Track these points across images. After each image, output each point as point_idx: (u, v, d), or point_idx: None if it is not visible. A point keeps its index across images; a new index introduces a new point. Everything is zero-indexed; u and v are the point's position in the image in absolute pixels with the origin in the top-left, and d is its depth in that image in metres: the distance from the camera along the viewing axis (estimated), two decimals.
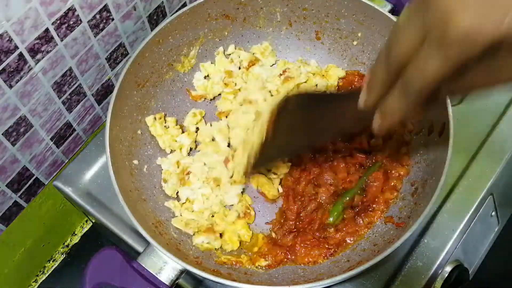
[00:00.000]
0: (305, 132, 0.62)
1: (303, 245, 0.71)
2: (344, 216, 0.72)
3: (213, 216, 0.75)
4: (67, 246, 1.07)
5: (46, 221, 0.96)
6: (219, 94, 0.86)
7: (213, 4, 0.80)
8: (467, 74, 0.40)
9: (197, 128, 0.82)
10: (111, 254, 0.63)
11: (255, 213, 0.77)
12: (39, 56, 0.68)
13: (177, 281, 0.63)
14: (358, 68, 0.84)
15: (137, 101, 0.77)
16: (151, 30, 0.81)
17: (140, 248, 0.75)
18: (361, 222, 0.72)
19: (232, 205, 0.77)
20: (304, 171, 0.76)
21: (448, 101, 0.67)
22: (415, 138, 0.76)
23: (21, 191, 0.81)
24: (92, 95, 0.84)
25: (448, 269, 0.75)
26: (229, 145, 0.80)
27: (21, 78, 0.67)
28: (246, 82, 0.85)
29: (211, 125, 0.82)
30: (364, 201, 0.73)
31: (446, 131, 0.67)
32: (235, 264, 0.70)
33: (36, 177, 0.83)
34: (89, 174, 0.82)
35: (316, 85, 0.83)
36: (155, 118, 0.79)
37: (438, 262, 0.74)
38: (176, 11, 0.86)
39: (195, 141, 0.82)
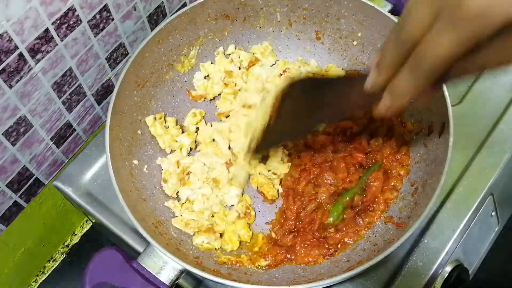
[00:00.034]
0: (308, 116, 0.62)
1: (303, 245, 0.71)
2: (344, 216, 0.72)
3: (213, 216, 0.75)
4: (67, 246, 1.07)
5: (46, 221, 0.96)
6: (219, 94, 0.86)
7: (213, 4, 0.80)
8: (479, 52, 0.39)
9: (197, 128, 0.82)
10: (111, 254, 0.63)
11: (255, 213, 0.77)
12: (39, 56, 0.68)
13: (177, 281, 0.63)
14: (358, 68, 0.84)
15: (137, 101, 0.77)
16: (151, 30, 0.81)
17: (140, 248, 0.75)
18: (361, 222, 0.72)
19: (232, 205, 0.77)
20: (304, 171, 0.76)
21: (448, 101, 0.67)
22: (415, 138, 0.76)
23: (21, 191, 0.81)
24: (92, 95, 0.84)
25: (448, 269, 0.75)
26: (229, 147, 0.80)
27: (21, 78, 0.67)
28: (246, 82, 0.85)
29: (211, 125, 0.82)
30: (364, 201, 0.73)
31: (446, 131, 0.67)
32: (235, 264, 0.70)
33: (36, 177, 0.83)
34: (89, 174, 0.82)
35: None
36: (155, 118, 0.79)
37: (438, 262, 0.74)
38: (176, 11, 0.86)
39: (195, 141, 0.82)
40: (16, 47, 0.63)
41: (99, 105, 0.88)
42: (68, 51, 0.73)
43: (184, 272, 0.63)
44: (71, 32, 0.70)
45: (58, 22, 0.67)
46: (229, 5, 0.82)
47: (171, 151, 0.80)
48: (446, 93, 0.67)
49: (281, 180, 0.78)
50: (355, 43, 0.83)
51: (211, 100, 0.86)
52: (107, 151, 0.67)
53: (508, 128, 0.84)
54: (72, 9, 0.68)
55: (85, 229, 1.09)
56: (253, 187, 0.79)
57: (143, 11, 0.82)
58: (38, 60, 0.68)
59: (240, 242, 0.74)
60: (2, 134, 0.70)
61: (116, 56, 0.83)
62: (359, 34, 0.81)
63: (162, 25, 0.75)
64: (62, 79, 0.75)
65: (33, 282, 1.03)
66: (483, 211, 0.81)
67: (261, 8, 0.84)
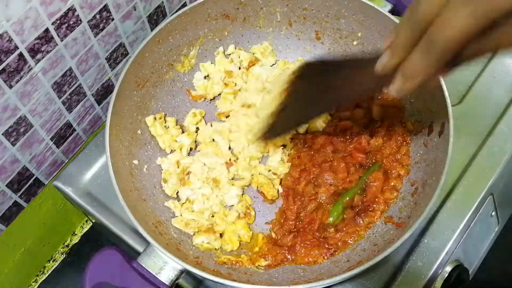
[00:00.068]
0: (319, 100, 0.61)
1: (303, 245, 0.71)
2: (344, 216, 0.72)
3: (213, 216, 0.75)
4: (67, 246, 1.07)
5: (46, 221, 0.96)
6: (219, 94, 0.86)
7: (213, 4, 0.80)
8: (494, 31, 0.39)
9: (197, 128, 0.82)
10: (111, 254, 0.63)
11: (255, 213, 0.77)
12: (39, 56, 0.68)
13: (177, 281, 0.63)
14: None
15: (137, 101, 0.77)
16: (151, 30, 0.81)
17: (140, 248, 0.75)
18: (361, 222, 0.72)
19: (232, 205, 0.77)
20: (304, 171, 0.76)
21: (448, 101, 0.67)
22: (415, 138, 0.76)
23: (21, 191, 0.81)
24: (92, 95, 0.84)
25: (448, 269, 0.75)
26: (229, 148, 0.80)
27: (21, 78, 0.67)
28: (246, 82, 0.85)
29: (211, 125, 0.82)
30: (364, 201, 0.73)
31: (446, 131, 0.67)
32: (235, 264, 0.70)
33: (36, 177, 0.83)
34: (89, 174, 0.82)
35: None
36: (155, 118, 0.79)
37: (438, 262, 0.74)
38: (176, 11, 0.86)
39: (195, 141, 0.82)
40: (16, 47, 0.63)
41: (99, 105, 0.88)
42: (68, 51, 0.73)
43: (184, 272, 0.63)
44: (71, 32, 0.70)
45: (58, 22, 0.67)
46: (229, 5, 0.82)
47: (171, 151, 0.80)
48: (446, 93, 0.67)
49: (281, 180, 0.78)
50: (355, 43, 0.83)
51: (211, 100, 0.86)
52: (107, 151, 0.67)
53: (508, 128, 0.84)
54: (72, 9, 0.68)
55: (85, 229, 1.08)
56: (253, 187, 0.79)
57: (143, 11, 0.82)
58: (38, 60, 0.68)
59: (240, 242, 0.74)
60: (2, 134, 0.70)
61: (116, 56, 0.83)
62: (359, 34, 0.81)
63: (162, 25, 0.75)
64: (62, 79, 0.75)
65: (33, 282, 1.03)
66: (483, 211, 0.81)
67: (261, 8, 0.84)
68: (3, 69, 0.64)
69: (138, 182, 0.73)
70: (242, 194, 0.77)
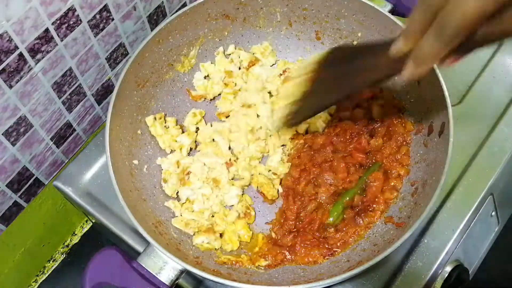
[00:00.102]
0: (339, 85, 0.63)
1: (303, 245, 0.71)
2: (344, 216, 0.72)
3: (213, 216, 0.75)
4: (67, 246, 1.07)
5: (46, 221, 0.96)
6: (219, 94, 0.86)
7: (213, 4, 0.80)
8: (505, 15, 0.39)
9: (197, 128, 0.82)
10: (111, 254, 0.63)
11: (255, 213, 0.77)
12: (39, 56, 0.68)
13: (177, 281, 0.63)
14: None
15: (137, 101, 0.77)
16: (151, 30, 0.81)
17: (140, 248, 0.75)
18: (361, 222, 0.72)
19: (232, 205, 0.77)
20: (304, 171, 0.76)
21: (448, 101, 0.67)
22: (415, 138, 0.76)
23: (21, 191, 0.81)
24: (92, 95, 0.84)
25: (448, 269, 0.75)
26: (229, 148, 0.80)
27: (21, 78, 0.67)
28: (246, 82, 0.85)
29: (211, 125, 0.82)
30: (364, 201, 0.73)
31: (446, 131, 0.67)
32: (235, 264, 0.70)
33: (36, 177, 0.83)
34: (89, 174, 0.82)
35: None
36: (155, 118, 0.79)
37: (438, 262, 0.74)
38: (176, 11, 0.86)
39: (195, 141, 0.82)
40: (16, 47, 0.63)
41: (99, 105, 0.88)
42: (68, 51, 0.73)
43: (184, 272, 0.63)
44: (71, 32, 0.70)
45: (58, 22, 0.67)
46: (229, 5, 0.82)
47: (171, 151, 0.80)
48: (446, 93, 0.67)
49: (281, 180, 0.78)
50: (355, 43, 0.83)
51: (211, 100, 0.86)
52: (107, 151, 0.67)
53: (508, 128, 0.84)
54: (72, 9, 0.68)
55: (85, 229, 1.09)
56: (253, 187, 0.79)
57: (143, 11, 0.82)
58: (38, 60, 0.68)
59: (240, 242, 0.74)
60: (2, 134, 0.70)
61: (116, 56, 0.83)
62: (359, 34, 0.81)
63: (162, 25, 0.75)
64: (62, 79, 0.75)
65: (33, 282, 1.03)
66: (483, 211, 0.81)
67: (261, 8, 0.84)
68: (3, 69, 0.64)
69: (138, 182, 0.73)
70: (242, 194, 0.77)
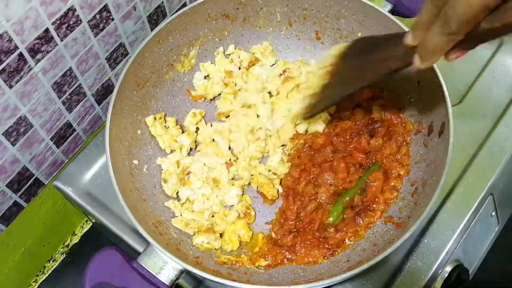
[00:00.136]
0: (355, 76, 0.64)
1: (303, 245, 0.71)
2: (344, 216, 0.72)
3: (213, 216, 0.75)
4: (67, 246, 1.07)
5: (46, 221, 0.96)
6: (219, 94, 0.86)
7: (213, 4, 0.80)
8: (508, 8, 0.40)
9: (197, 128, 0.82)
10: (111, 254, 0.63)
11: (255, 213, 0.77)
12: (39, 56, 0.68)
13: (177, 281, 0.63)
14: None
15: (137, 101, 0.77)
16: (151, 30, 0.81)
17: (140, 248, 0.75)
18: (361, 222, 0.72)
19: (232, 205, 0.77)
20: (304, 171, 0.76)
21: (448, 101, 0.67)
22: (415, 138, 0.76)
23: (21, 191, 0.81)
24: (92, 95, 0.84)
25: (448, 269, 0.75)
26: (229, 148, 0.80)
27: (21, 78, 0.67)
28: (246, 82, 0.85)
29: (211, 125, 0.82)
30: (364, 201, 0.73)
31: (446, 131, 0.67)
32: (235, 264, 0.70)
33: (36, 177, 0.83)
34: (89, 174, 0.82)
35: None
36: (155, 118, 0.79)
37: (438, 262, 0.74)
38: (176, 11, 0.86)
39: (195, 141, 0.82)
40: (16, 47, 0.63)
41: (99, 105, 0.88)
42: (68, 51, 0.73)
43: (184, 272, 0.63)
44: (71, 32, 0.70)
45: (58, 22, 0.67)
46: (229, 5, 0.82)
47: (171, 151, 0.80)
48: (446, 93, 0.67)
49: (281, 180, 0.78)
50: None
51: (211, 100, 0.86)
52: (107, 151, 0.67)
53: (508, 128, 0.84)
54: (72, 9, 0.68)
55: (85, 229, 1.09)
56: (253, 187, 0.79)
57: (143, 11, 0.82)
58: (38, 60, 0.68)
59: (240, 242, 0.74)
60: (2, 134, 0.70)
61: (116, 56, 0.83)
62: (359, 34, 0.81)
63: (162, 25, 0.75)
64: (62, 79, 0.75)
65: (33, 282, 1.03)
66: (483, 211, 0.81)
67: (261, 8, 0.84)
68: (3, 69, 0.64)
69: (138, 182, 0.73)
70: (242, 194, 0.77)
